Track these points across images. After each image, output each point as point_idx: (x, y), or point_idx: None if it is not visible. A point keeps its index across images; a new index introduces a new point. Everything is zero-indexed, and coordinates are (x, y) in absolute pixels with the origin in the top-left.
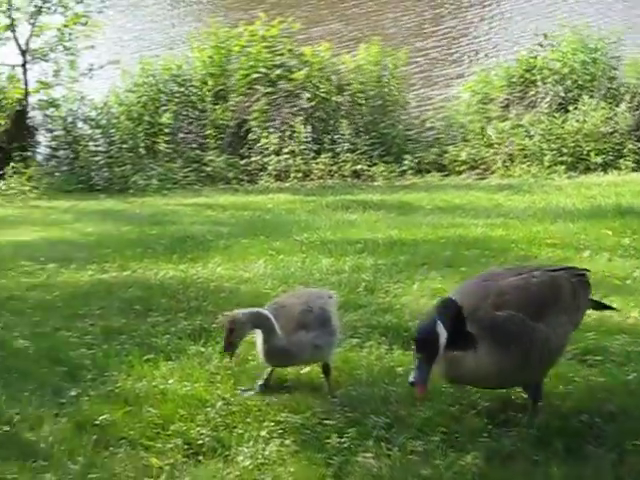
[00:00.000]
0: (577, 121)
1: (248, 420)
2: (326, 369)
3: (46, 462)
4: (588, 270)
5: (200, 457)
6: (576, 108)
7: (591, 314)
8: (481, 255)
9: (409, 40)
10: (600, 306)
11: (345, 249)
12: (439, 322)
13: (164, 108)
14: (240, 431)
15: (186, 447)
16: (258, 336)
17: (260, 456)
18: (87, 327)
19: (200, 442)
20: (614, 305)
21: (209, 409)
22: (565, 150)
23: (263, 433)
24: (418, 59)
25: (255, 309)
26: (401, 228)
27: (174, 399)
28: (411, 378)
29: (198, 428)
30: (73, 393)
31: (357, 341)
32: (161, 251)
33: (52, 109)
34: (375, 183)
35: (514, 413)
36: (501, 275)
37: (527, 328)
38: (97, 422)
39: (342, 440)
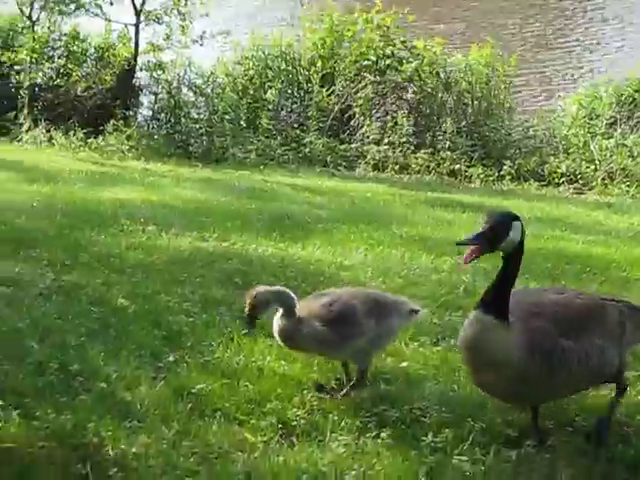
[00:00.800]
0: None
1: (343, 407)
2: (357, 371)
3: (141, 424)
4: None
5: (294, 438)
6: None
7: None
8: (582, 271)
9: (525, 47)
10: None
11: (444, 248)
12: (521, 228)
13: (269, 84)
14: (335, 418)
15: (280, 427)
16: (278, 313)
17: (354, 445)
18: (187, 294)
19: (295, 423)
20: None
21: (305, 391)
22: None
23: (358, 423)
24: (533, 68)
25: (279, 287)
26: None
27: (271, 377)
28: (462, 238)
29: (294, 409)
30: (171, 358)
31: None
32: (260, 227)
33: (159, 72)
34: (472, 185)
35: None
36: (547, 291)
37: (556, 343)
38: (193, 390)
39: (437, 440)
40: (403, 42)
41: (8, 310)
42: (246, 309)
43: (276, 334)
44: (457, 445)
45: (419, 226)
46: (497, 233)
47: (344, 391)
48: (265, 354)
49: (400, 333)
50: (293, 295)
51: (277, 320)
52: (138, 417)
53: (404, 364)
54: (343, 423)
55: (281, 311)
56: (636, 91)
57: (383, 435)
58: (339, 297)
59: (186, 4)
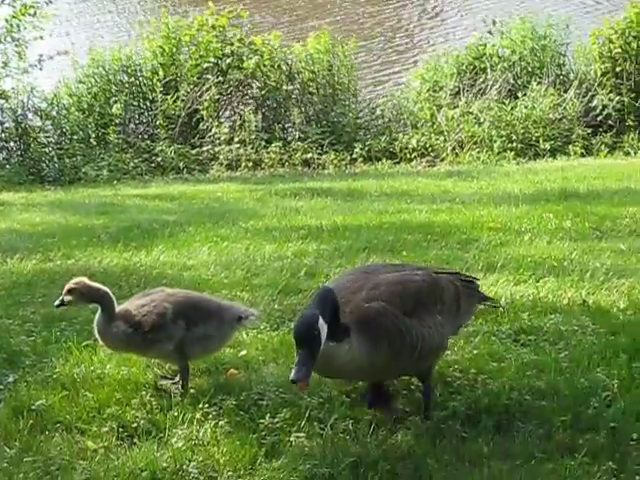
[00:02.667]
0: (526, 108)
1: (183, 402)
2: (180, 371)
3: None
4: (477, 279)
5: (135, 439)
6: (525, 95)
7: (528, 295)
8: (423, 239)
9: (360, 30)
10: (489, 301)
11: (289, 235)
12: (320, 316)
13: (114, 99)
14: (175, 414)
15: (121, 430)
16: (98, 312)
17: (194, 437)
18: (28, 315)
19: (135, 425)
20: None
21: (144, 392)
22: (514, 137)
23: (198, 415)
24: (370, 49)
25: (102, 287)
26: (346, 214)
27: (111, 383)
28: (293, 376)
29: (133, 411)
30: (11, 379)
31: None
32: (106, 240)
33: (1, 101)
34: (326, 171)
35: (449, 390)
36: (381, 270)
37: (399, 322)
38: (34, 407)
39: (275, 420)
40: (240, 40)
41: None
42: (63, 291)
43: (95, 331)
44: (295, 423)
45: (266, 218)
46: (314, 346)
47: (178, 391)
48: (105, 362)
49: None
50: (110, 295)
51: (96, 317)
52: None
53: (243, 352)
54: (182, 417)
55: (100, 310)
56: (475, 59)
57: (221, 423)
58: (154, 300)
59: (19, 30)
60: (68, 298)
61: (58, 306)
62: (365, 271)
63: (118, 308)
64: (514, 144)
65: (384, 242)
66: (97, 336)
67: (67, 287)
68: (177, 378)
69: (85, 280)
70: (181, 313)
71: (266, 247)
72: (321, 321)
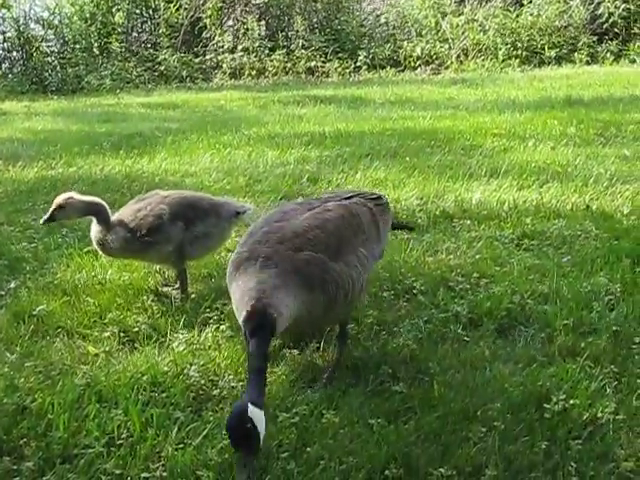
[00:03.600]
0: (531, 15)
1: (184, 307)
2: (178, 275)
3: None
4: (382, 195)
5: (136, 344)
6: (531, 2)
7: (531, 200)
8: (426, 145)
9: None
10: (401, 227)
11: (292, 142)
12: (250, 404)
13: (117, 7)
14: (176, 318)
15: (122, 335)
16: (94, 221)
17: (195, 342)
18: (30, 222)
19: (136, 330)
20: (552, 190)
21: (145, 298)
22: (519, 44)
23: (199, 320)
24: None
25: (95, 198)
26: (349, 121)
27: (112, 289)
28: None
29: (134, 316)
30: (12, 285)
31: None
32: (108, 148)
33: (4, 11)
34: (329, 80)
35: (450, 294)
36: (293, 213)
37: (329, 270)
38: (35, 313)
39: None
40: None
41: None
42: (51, 208)
43: (92, 241)
44: None
45: (269, 125)
46: (252, 444)
47: (179, 296)
48: (106, 268)
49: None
50: (104, 205)
51: (93, 228)
52: None
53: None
54: (184, 322)
55: (95, 221)
56: None
57: (223, 328)
58: (150, 203)
59: None
60: (58, 213)
61: (46, 222)
62: (278, 220)
63: (114, 216)
64: (519, 52)
65: (387, 148)
66: (96, 246)
67: (56, 203)
68: (177, 284)
69: (74, 195)
70: (178, 213)
71: (269, 154)
72: (252, 408)
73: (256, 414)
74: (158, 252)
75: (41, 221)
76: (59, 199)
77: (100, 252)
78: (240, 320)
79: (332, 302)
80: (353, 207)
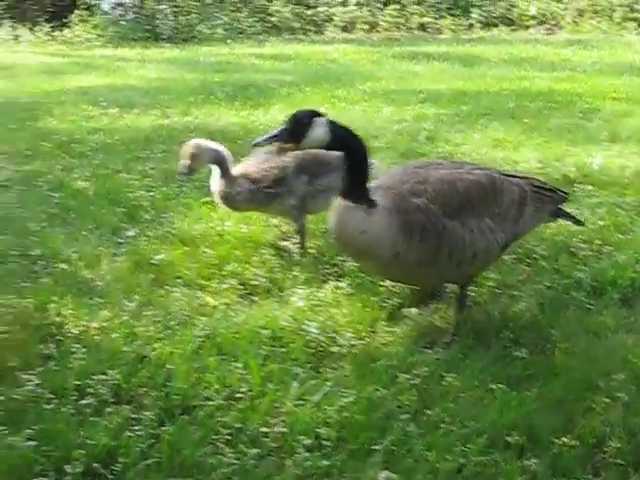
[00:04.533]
0: None
1: (303, 262)
2: (297, 230)
3: (103, 299)
4: (566, 192)
5: (254, 298)
6: None
7: None
8: (544, 107)
9: None
10: (567, 216)
11: (408, 99)
12: (328, 123)
13: None
14: (295, 273)
15: (241, 287)
16: (215, 174)
17: (314, 298)
18: (147, 170)
19: (255, 283)
20: None
21: (264, 251)
22: (636, 7)
23: (318, 276)
24: None
25: (220, 146)
26: (465, 79)
27: (230, 241)
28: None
29: (253, 269)
30: (131, 233)
31: None
32: (223, 98)
33: None
34: (442, 36)
35: (573, 261)
36: (437, 166)
37: (436, 222)
38: (154, 261)
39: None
40: None
41: None
42: (185, 160)
43: (214, 195)
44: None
45: (383, 80)
46: (296, 130)
47: (297, 250)
48: (224, 219)
49: None
50: (227, 154)
51: (214, 181)
52: (99, 293)
53: None
54: (303, 277)
55: (217, 171)
56: None
57: (342, 285)
58: (275, 155)
59: None
60: (194, 163)
61: (184, 175)
62: (418, 166)
63: (237, 167)
64: (636, 14)
65: (504, 109)
66: (217, 198)
67: (188, 152)
68: (295, 239)
69: (201, 140)
70: (303, 167)
71: (384, 110)
72: (321, 121)
73: (320, 123)
74: (281, 205)
75: (177, 175)
76: (190, 148)
77: (222, 205)
78: None
79: (432, 256)
80: (499, 181)
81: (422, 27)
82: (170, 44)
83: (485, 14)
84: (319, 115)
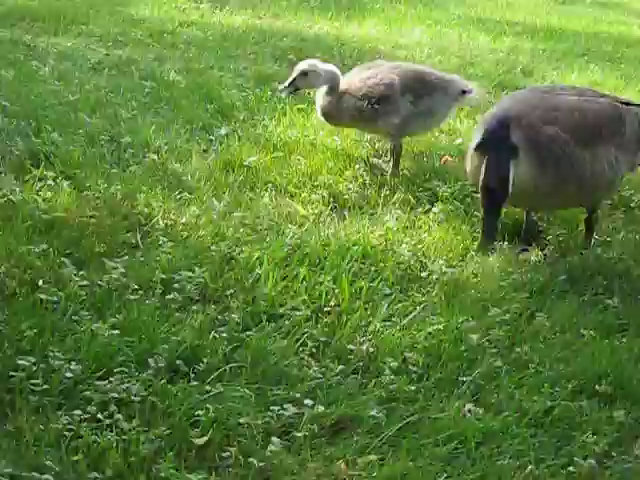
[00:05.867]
0: None
1: (395, 182)
2: (393, 149)
3: (191, 195)
4: None
5: (345, 212)
6: None
7: None
8: None
9: None
10: None
11: (503, 29)
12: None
13: None
14: (387, 192)
15: (332, 200)
16: (322, 89)
17: (406, 220)
18: (240, 69)
19: (346, 197)
20: None
21: (357, 166)
22: None
23: (410, 198)
24: None
25: (334, 68)
26: (561, 17)
27: (323, 151)
28: (484, 239)
29: (345, 183)
30: (223, 132)
31: None
32: (316, 6)
33: None
34: None
35: None
36: (564, 91)
37: (570, 152)
38: (245, 163)
39: None
40: None
41: (60, 83)
42: (293, 74)
43: (318, 110)
44: (512, 222)
45: (478, 7)
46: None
47: (390, 169)
48: (318, 129)
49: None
50: (340, 75)
51: (319, 96)
52: (188, 189)
53: (459, 140)
54: (395, 197)
55: (325, 88)
56: None
57: (435, 210)
58: (379, 72)
59: None
60: (300, 81)
61: (287, 91)
62: (544, 90)
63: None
64: None
65: (602, 51)
66: (320, 113)
67: (298, 69)
68: (387, 157)
69: (317, 62)
70: (408, 86)
71: (480, 38)
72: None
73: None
74: (385, 123)
75: (280, 87)
76: (303, 65)
77: (324, 120)
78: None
79: (562, 185)
80: (624, 111)
81: None
82: None
83: None
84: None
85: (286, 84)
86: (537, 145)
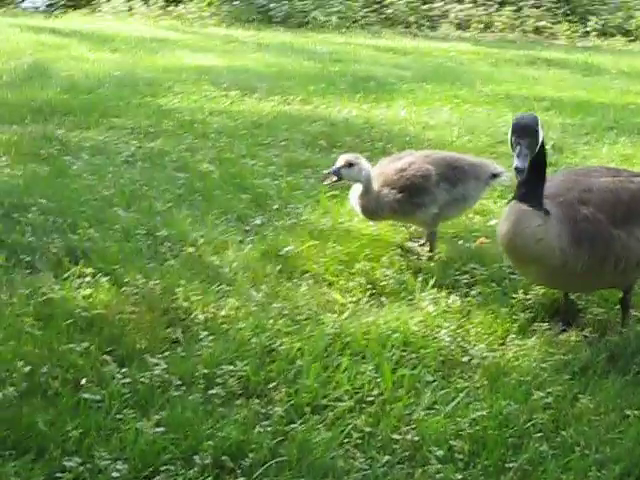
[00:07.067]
0: None
1: (432, 266)
2: (426, 235)
3: (229, 287)
4: None
5: (383, 298)
6: None
7: None
8: None
9: None
10: None
11: (531, 105)
12: (540, 123)
13: None
14: (424, 277)
15: (369, 287)
16: (358, 188)
17: (444, 304)
18: (271, 157)
19: (384, 283)
20: None
21: (393, 252)
22: None
23: (447, 281)
24: None
25: (370, 169)
26: (588, 89)
27: (359, 238)
28: (516, 163)
29: (383, 269)
30: (258, 221)
31: None
32: (344, 89)
33: None
34: (557, 42)
35: None
36: (597, 174)
37: (604, 232)
38: (281, 253)
39: (528, 297)
40: None
41: (94, 178)
42: (338, 164)
43: (357, 210)
44: (550, 303)
45: (504, 84)
46: (533, 138)
47: (425, 253)
48: (352, 215)
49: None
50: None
51: (356, 196)
52: (226, 281)
53: (493, 221)
54: (432, 282)
55: (360, 188)
56: None
57: (473, 293)
58: (412, 162)
59: None
60: (345, 171)
61: (329, 180)
62: (578, 173)
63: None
64: None
65: (632, 123)
66: (359, 210)
67: (345, 159)
68: (422, 240)
69: (362, 157)
70: (443, 174)
71: (508, 115)
72: (540, 129)
73: (540, 132)
74: (424, 214)
75: (325, 173)
76: (349, 156)
77: (364, 216)
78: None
79: (597, 265)
80: None
81: (537, 30)
82: (283, 28)
83: (602, 22)
84: (537, 121)
85: (330, 172)
86: (572, 221)
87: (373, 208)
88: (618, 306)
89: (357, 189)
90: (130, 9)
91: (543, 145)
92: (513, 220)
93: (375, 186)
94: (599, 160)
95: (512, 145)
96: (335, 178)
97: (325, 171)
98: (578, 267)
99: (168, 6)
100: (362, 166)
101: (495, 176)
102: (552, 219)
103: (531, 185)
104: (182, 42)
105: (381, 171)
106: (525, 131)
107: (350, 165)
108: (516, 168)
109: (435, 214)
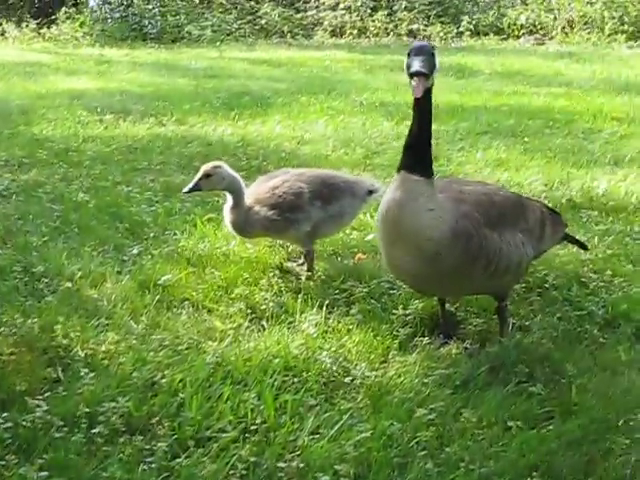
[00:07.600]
0: None
1: (311, 286)
2: (306, 255)
3: (109, 320)
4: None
5: (264, 322)
6: None
7: None
8: (545, 126)
9: None
10: (574, 241)
11: (406, 112)
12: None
13: None
14: (304, 298)
15: (249, 312)
16: (228, 203)
17: (325, 324)
18: (147, 183)
19: (263, 307)
20: None
21: (271, 274)
22: (627, 19)
23: (327, 301)
24: None
25: (238, 176)
26: (461, 93)
27: (237, 262)
28: (417, 67)
29: (262, 293)
30: (135, 251)
31: None
32: (219, 106)
33: None
34: (431, 43)
35: (584, 291)
36: (469, 184)
37: (480, 232)
38: (160, 282)
39: (407, 312)
40: None
41: None
42: (197, 176)
43: (228, 225)
44: (429, 316)
45: (378, 92)
46: (432, 59)
47: (304, 273)
48: (229, 239)
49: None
50: (244, 185)
51: (228, 211)
52: (105, 314)
53: (370, 236)
54: (312, 302)
55: (231, 201)
56: None
57: (352, 311)
58: (286, 180)
59: None
60: (204, 183)
61: (190, 191)
62: (450, 181)
63: (247, 192)
64: (626, 27)
65: (505, 126)
66: (230, 227)
67: (203, 170)
68: (301, 260)
69: (223, 165)
70: (316, 192)
71: (384, 124)
72: (436, 55)
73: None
74: (297, 231)
75: (184, 189)
76: (207, 167)
77: (235, 234)
78: None
79: (469, 264)
80: (524, 200)
81: (411, 33)
82: (158, 44)
83: (475, 22)
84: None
85: (190, 186)
86: (454, 214)
87: (242, 224)
88: (496, 316)
89: (229, 202)
90: (2, 33)
91: (430, 94)
92: (404, 189)
93: (247, 202)
94: (474, 166)
95: (408, 67)
96: (194, 189)
97: (185, 189)
98: (449, 261)
99: (41, 28)
100: (223, 174)
101: (372, 192)
102: (442, 199)
103: (419, 153)
104: (55, 65)
105: (254, 189)
106: (422, 50)
107: (208, 176)
108: (416, 71)
109: (308, 232)
